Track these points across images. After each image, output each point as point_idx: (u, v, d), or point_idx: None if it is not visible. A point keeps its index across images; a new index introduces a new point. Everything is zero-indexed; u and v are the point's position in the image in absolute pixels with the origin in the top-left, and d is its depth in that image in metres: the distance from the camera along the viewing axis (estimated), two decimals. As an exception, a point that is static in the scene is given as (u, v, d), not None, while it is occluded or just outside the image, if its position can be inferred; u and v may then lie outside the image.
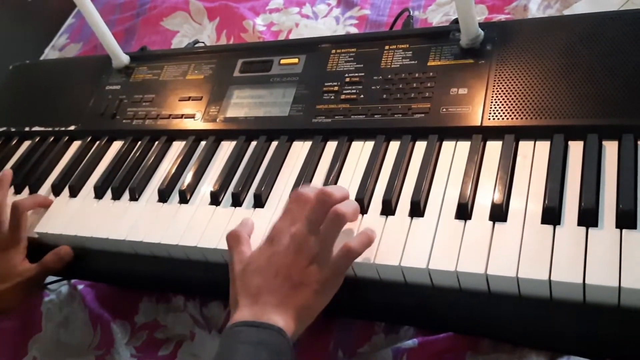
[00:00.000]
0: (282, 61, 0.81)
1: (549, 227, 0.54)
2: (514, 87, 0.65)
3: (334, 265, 0.57)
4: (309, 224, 0.58)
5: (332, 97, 0.74)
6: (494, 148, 0.63)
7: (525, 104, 0.63)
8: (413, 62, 0.72)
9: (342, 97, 0.73)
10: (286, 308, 0.56)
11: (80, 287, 0.88)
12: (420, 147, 0.66)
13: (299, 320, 0.56)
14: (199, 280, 0.74)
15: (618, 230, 0.52)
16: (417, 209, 0.60)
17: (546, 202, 0.55)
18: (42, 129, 0.93)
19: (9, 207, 0.77)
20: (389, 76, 0.72)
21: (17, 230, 0.75)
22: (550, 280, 0.51)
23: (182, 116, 0.82)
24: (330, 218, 0.58)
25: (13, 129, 0.96)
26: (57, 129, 0.92)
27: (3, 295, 0.71)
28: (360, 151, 0.69)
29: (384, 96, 0.71)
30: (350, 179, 0.67)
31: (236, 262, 0.61)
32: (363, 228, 0.61)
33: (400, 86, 0.71)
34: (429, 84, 0.69)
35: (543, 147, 0.61)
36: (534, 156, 0.61)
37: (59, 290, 0.90)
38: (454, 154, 0.64)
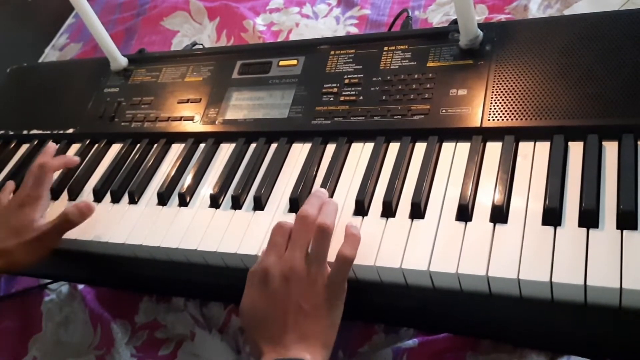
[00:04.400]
0: (281, 63, 0.81)
1: (550, 229, 0.54)
2: (513, 88, 0.65)
3: (335, 277, 0.57)
4: (298, 249, 0.58)
5: (332, 99, 0.74)
6: (494, 149, 0.63)
7: (525, 104, 0.63)
8: (412, 63, 0.72)
9: (342, 98, 0.73)
10: (310, 339, 0.55)
11: (80, 287, 0.88)
12: (420, 148, 0.66)
13: (325, 345, 0.56)
14: (200, 282, 0.74)
15: (619, 231, 0.52)
16: (417, 211, 0.60)
17: (547, 203, 0.55)
18: (40, 132, 0.93)
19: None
20: (388, 77, 0.72)
21: (38, 188, 0.75)
22: (551, 282, 0.51)
23: (181, 118, 0.82)
24: (316, 235, 0.58)
25: (11, 133, 0.96)
26: (55, 132, 0.91)
27: (18, 249, 0.70)
28: (360, 153, 0.69)
29: (384, 97, 0.71)
30: (350, 181, 0.67)
31: (243, 309, 0.59)
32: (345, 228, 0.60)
33: (400, 87, 0.71)
34: (428, 85, 0.69)
35: (543, 148, 0.61)
36: (534, 157, 0.61)
37: (59, 290, 0.90)
38: (454, 155, 0.64)
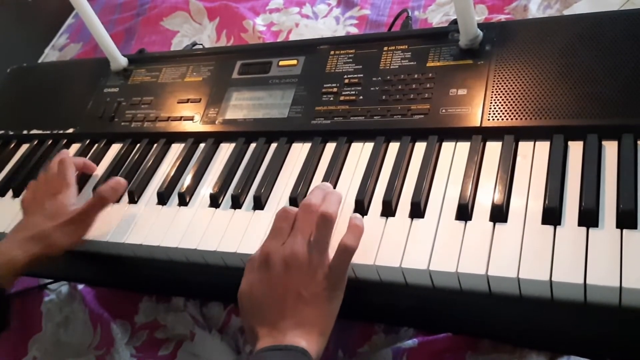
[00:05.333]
0: (281, 63, 0.81)
1: (550, 228, 0.54)
2: (513, 88, 0.65)
3: (336, 267, 0.57)
4: (300, 236, 0.58)
5: (331, 99, 0.74)
6: (493, 149, 0.63)
7: (525, 104, 0.63)
8: (412, 63, 0.72)
9: (341, 98, 0.73)
10: (307, 326, 0.55)
11: (80, 287, 0.88)
12: (420, 148, 0.66)
13: (322, 333, 0.56)
14: (200, 282, 0.74)
15: (619, 230, 0.52)
16: (417, 210, 0.60)
17: (546, 202, 0.55)
18: (40, 132, 0.93)
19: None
20: (388, 77, 0.72)
21: (65, 178, 0.77)
22: (551, 281, 0.51)
23: (180, 118, 0.82)
24: (318, 223, 0.58)
25: (11, 132, 0.96)
26: (55, 132, 0.91)
27: (55, 231, 0.71)
28: (360, 152, 0.69)
29: (383, 97, 0.71)
30: (350, 180, 0.67)
31: (242, 294, 0.59)
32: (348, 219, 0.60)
33: (400, 87, 0.71)
34: (428, 85, 0.69)
35: (543, 148, 0.61)
36: (533, 156, 0.61)
37: (59, 290, 0.90)
38: (454, 155, 0.64)
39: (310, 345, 0.54)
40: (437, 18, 0.98)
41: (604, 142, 0.59)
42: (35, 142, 0.92)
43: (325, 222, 0.58)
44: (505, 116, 0.63)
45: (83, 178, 0.82)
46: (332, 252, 0.58)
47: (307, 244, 0.58)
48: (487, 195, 0.59)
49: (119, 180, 0.74)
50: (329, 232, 0.58)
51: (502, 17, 0.93)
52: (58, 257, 0.73)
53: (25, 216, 0.76)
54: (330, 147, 0.71)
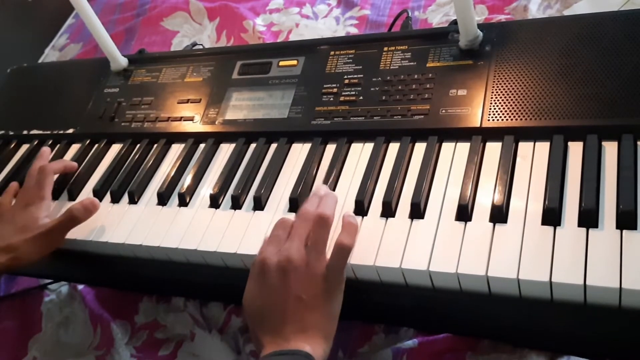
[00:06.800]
0: (281, 63, 0.81)
1: (550, 229, 0.54)
2: (513, 88, 0.65)
3: (334, 267, 0.57)
4: (296, 240, 0.58)
5: (331, 99, 0.74)
6: (493, 149, 0.63)
7: (525, 104, 0.63)
8: (412, 63, 0.72)
9: (341, 98, 0.73)
10: (310, 331, 0.55)
11: (80, 287, 0.88)
12: (420, 148, 0.66)
13: (325, 336, 0.56)
14: (200, 282, 0.74)
15: (618, 231, 0.52)
16: (417, 211, 0.60)
17: (546, 203, 0.55)
18: (40, 132, 0.93)
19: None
20: (388, 77, 0.72)
21: (41, 190, 0.77)
22: (551, 282, 0.51)
23: (181, 119, 0.82)
24: (316, 224, 0.58)
25: (11, 133, 0.96)
26: (55, 132, 0.92)
27: (23, 245, 0.71)
28: (360, 153, 0.69)
29: (383, 98, 0.71)
30: (350, 181, 0.67)
31: (244, 302, 0.59)
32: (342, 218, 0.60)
33: (400, 87, 0.71)
34: (428, 86, 0.69)
35: (543, 148, 0.61)
36: (533, 157, 0.61)
37: (59, 290, 0.90)
38: (454, 156, 0.64)
39: (314, 349, 0.54)
40: (437, 18, 0.98)
41: (603, 143, 0.59)
42: (36, 143, 0.92)
43: (323, 223, 0.58)
44: (505, 117, 0.63)
45: (84, 178, 0.82)
46: (328, 253, 0.58)
47: (304, 247, 0.58)
48: (487, 195, 0.59)
49: (93, 201, 0.74)
50: (327, 233, 0.58)
51: (502, 18, 0.93)
52: (58, 258, 0.73)
53: None
54: (330, 148, 0.72)
